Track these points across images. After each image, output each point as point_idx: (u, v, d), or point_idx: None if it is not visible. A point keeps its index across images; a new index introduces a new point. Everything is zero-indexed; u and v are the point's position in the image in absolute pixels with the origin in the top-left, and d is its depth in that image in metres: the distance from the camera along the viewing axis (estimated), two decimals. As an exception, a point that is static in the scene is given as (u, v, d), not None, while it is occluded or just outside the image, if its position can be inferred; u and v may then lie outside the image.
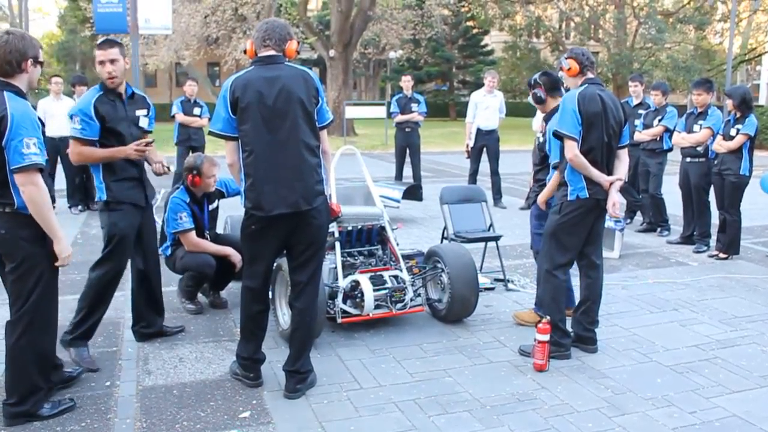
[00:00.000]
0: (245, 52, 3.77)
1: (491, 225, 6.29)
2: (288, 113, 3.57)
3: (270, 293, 4.13)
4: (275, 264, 4.14)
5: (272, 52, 3.65)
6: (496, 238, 6.14)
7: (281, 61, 3.67)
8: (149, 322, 4.61)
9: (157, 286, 4.58)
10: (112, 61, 4.10)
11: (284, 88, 3.56)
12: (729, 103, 6.95)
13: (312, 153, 3.66)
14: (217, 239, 5.37)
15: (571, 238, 4.36)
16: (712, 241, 7.48)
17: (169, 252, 5.25)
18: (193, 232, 5.11)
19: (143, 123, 4.36)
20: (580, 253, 4.47)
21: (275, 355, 4.24)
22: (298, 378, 3.81)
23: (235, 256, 5.11)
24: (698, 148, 7.34)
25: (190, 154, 5.10)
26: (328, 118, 3.80)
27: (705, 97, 7.20)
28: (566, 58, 4.39)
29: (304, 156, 3.62)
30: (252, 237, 3.72)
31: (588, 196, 4.25)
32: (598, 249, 4.53)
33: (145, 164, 4.40)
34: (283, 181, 3.58)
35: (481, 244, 6.28)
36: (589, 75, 4.36)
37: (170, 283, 5.81)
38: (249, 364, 3.90)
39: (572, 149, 4.19)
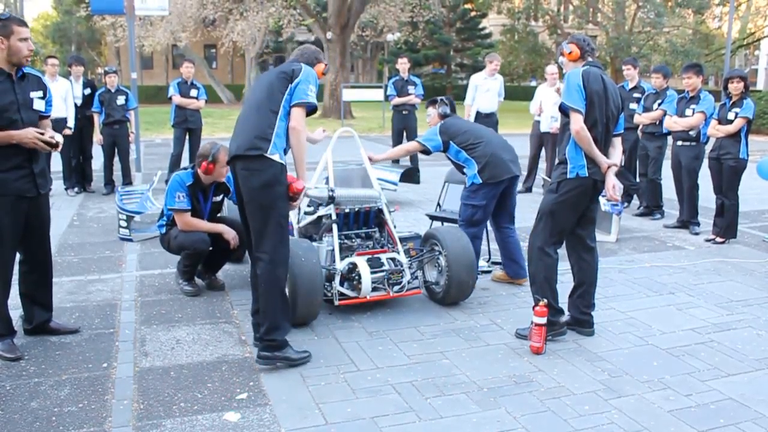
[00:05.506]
0: None
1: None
2: (259, 88, 4.00)
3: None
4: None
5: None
6: (454, 221, 5.98)
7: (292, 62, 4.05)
8: (31, 317, 4.27)
9: (43, 279, 4.27)
10: (29, 39, 3.80)
11: (267, 75, 4.01)
12: (734, 86, 6.88)
13: (265, 114, 3.83)
14: (213, 220, 5.34)
15: (566, 216, 4.36)
16: (701, 219, 7.60)
17: (164, 230, 5.24)
18: (188, 213, 5.08)
19: (38, 106, 3.98)
20: (575, 235, 4.48)
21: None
22: (263, 345, 3.92)
23: (229, 233, 5.10)
24: (691, 132, 7.38)
25: (204, 143, 4.98)
26: (301, 97, 3.83)
27: (695, 81, 7.33)
28: (568, 43, 4.41)
29: (257, 113, 3.86)
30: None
31: (587, 175, 4.25)
32: (591, 232, 4.54)
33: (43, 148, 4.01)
34: (235, 132, 3.94)
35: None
36: (590, 60, 4.38)
37: (168, 265, 5.83)
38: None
39: (578, 122, 4.19)
